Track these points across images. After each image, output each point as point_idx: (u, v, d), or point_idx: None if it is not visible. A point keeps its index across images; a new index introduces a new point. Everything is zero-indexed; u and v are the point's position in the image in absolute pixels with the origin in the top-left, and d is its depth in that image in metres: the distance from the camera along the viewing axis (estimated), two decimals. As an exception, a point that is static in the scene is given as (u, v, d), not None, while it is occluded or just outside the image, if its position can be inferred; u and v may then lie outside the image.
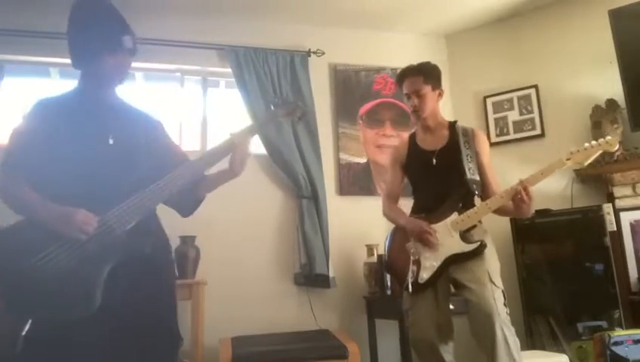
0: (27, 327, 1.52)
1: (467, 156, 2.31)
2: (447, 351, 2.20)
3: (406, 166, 2.48)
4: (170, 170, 1.67)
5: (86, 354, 1.49)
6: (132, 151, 1.71)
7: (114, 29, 1.71)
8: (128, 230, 1.58)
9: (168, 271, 1.78)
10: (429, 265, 2.22)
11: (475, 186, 2.27)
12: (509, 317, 2.08)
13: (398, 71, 2.50)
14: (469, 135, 2.39)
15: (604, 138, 2.17)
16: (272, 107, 1.98)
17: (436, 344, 2.17)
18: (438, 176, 2.32)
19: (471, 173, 2.27)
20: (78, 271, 1.49)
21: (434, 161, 2.34)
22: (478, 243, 2.19)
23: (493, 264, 2.21)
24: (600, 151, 2.15)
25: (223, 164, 1.77)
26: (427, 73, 2.39)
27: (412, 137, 2.51)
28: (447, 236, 2.22)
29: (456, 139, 2.36)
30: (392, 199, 2.51)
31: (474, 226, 2.25)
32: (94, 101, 1.74)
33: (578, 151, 2.15)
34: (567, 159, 2.16)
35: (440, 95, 2.43)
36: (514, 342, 2.04)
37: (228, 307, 3.26)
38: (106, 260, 1.53)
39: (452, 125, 2.44)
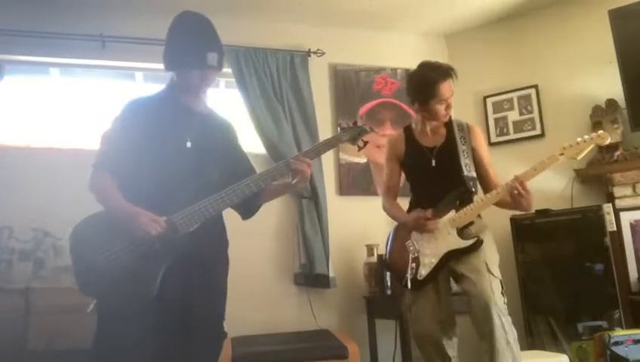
0: (91, 307, 1.69)
1: (463, 152, 2.31)
2: (451, 346, 2.21)
3: (404, 161, 2.46)
4: (237, 178, 1.80)
5: (140, 341, 1.60)
6: (207, 155, 1.81)
7: (202, 45, 1.81)
8: (191, 231, 1.70)
9: (222, 272, 1.89)
10: (428, 261, 2.23)
11: (471, 183, 2.28)
12: (506, 307, 2.10)
13: (428, 73, 2.30)
14: (465, 130, 2.39)
15: (596, 132, 2.17)
16: (339, 130, 2.04)
17: (439, 338, 2.19)
18: (437, 174, 2.32)
19: (467, 170, 2.28)
20: (138, 265, 1.64)
21: (433, 158, 2.34)
22: (475, 239, 2.20)
23: (491, 255, 2.22)
24: (592, 146, 2.16)
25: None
26: (455, 76, 2.36)
27: (408, 131, 2.48)
28: (444, 233, 2.23)
29: (453, 136, 2.36)
30: (391, 193, 2.49)
31: (472, 222, 2.26)
32: (178, 106, 1.85)
33: (571, 146, 2.16)
34: (560, 154, 2.16)
35: None
36: (511, 330, 2.07)
37: (228, 307, 3.23)
38: (166, 257, 1.67)
39: (448, 120, 2.43)
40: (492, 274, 2.14)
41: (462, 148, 2.32)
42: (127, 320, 1.63)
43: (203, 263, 1.74)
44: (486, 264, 2.15)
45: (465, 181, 2.26)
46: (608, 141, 2.18)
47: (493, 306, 2.04)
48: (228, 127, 2.00)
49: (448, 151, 2.33)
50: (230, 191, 1.74)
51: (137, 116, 1.81)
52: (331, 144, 2.03)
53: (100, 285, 1.65)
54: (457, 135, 2.35)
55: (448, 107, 2.34)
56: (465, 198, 2.27)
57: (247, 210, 1.99)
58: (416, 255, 2.26)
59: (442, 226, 2.24)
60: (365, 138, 2.04)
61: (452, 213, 2.25)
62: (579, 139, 2.16)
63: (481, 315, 2.06)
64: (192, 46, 1.80)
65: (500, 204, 2.26)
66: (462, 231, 2.24)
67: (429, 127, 2.41)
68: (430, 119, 2.39)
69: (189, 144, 1.79)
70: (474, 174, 2.31)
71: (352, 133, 2.00)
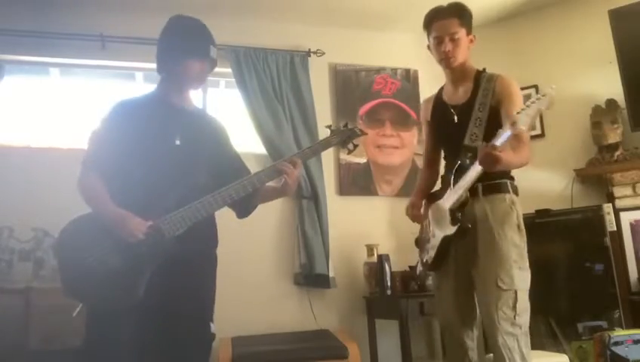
0: (78, 310, 1.72)
1: (477, 120, 2.01)
2: (469, 337, 2.10)
3: (431, 122, 2.26)
4: (227, 178, 1.78)
5: (127, 344, 1.61)
6: (196, 153, 1.81)
7: (206, 37, 1.86)
8: (178, 234, 1.68)
9: (210, 273, 1.84)
10: (432, 245, 2.10)
11: (469, 155, 1.95)
12: (514, 320, 1.92)
13: (427, 13, 2.14)
14: (490, 85, 2.04)
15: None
16: (329, 132, 1.99)
17: (456, 325, 2.09)
18: (458, 136, 2.03)
19: (471, 140, 1.99)
20: (124, 268, 1.63)
21: (455, 118, 2.10)
22: (456, 227, 1.96)
23: (505, 261, 1.97)
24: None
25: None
26: (462, 15, 2.08)
27: (440, 90, 2.26)
28: (441, 215, 2.04)
29: (475, 95, 2.07)
30: (426, 163, 2.32)
31: (466, 204, 1.97)
32: (167, 104, 1.85)
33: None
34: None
35: (472, 41, 2.12)
36: (517, 345, 1.92)
37: (228, 307, 3.23)
38: (152, 261, 1.65)
39: (478, 76, 2.11)
40: (500, 288, 1.93)
41: (477, 115, 2.01)
42: (113, 324, 1.62)
43: (190, 265, 1.72)
44: (496, 276, 1.94)
45: (461, 151, 1.99)
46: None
47: (496, 327, 1.92)
48: (219, 126, 1.98)
49: (467, 112, 2.05)
50: (218, 195, 1.72)
51: (126, 117, 1.80)
52: (320, 148, 2.04)
53: (85, 288, 1.65)
54: (480, 94, 2.04)
55: (447, 48, 2.05)
56: (459, 172, 2.00)
57: (242, 210, 1.97)
58: (428, 236, 2.14)
59: (441, 207, 2.05)
60: (356, 141, 1.98)
61: (449, 192, 2.02)
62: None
63: (486, 330, 1.99)
64: (197, 37, 1.84)
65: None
66: (453, 214, 1.98)
67: (454, 81, 2.16)
68: (440, 64, 2.14)
69: (177, 142, 1.78)
70: (477, 144, 1.94)
71: (342, 137, 1.97)
